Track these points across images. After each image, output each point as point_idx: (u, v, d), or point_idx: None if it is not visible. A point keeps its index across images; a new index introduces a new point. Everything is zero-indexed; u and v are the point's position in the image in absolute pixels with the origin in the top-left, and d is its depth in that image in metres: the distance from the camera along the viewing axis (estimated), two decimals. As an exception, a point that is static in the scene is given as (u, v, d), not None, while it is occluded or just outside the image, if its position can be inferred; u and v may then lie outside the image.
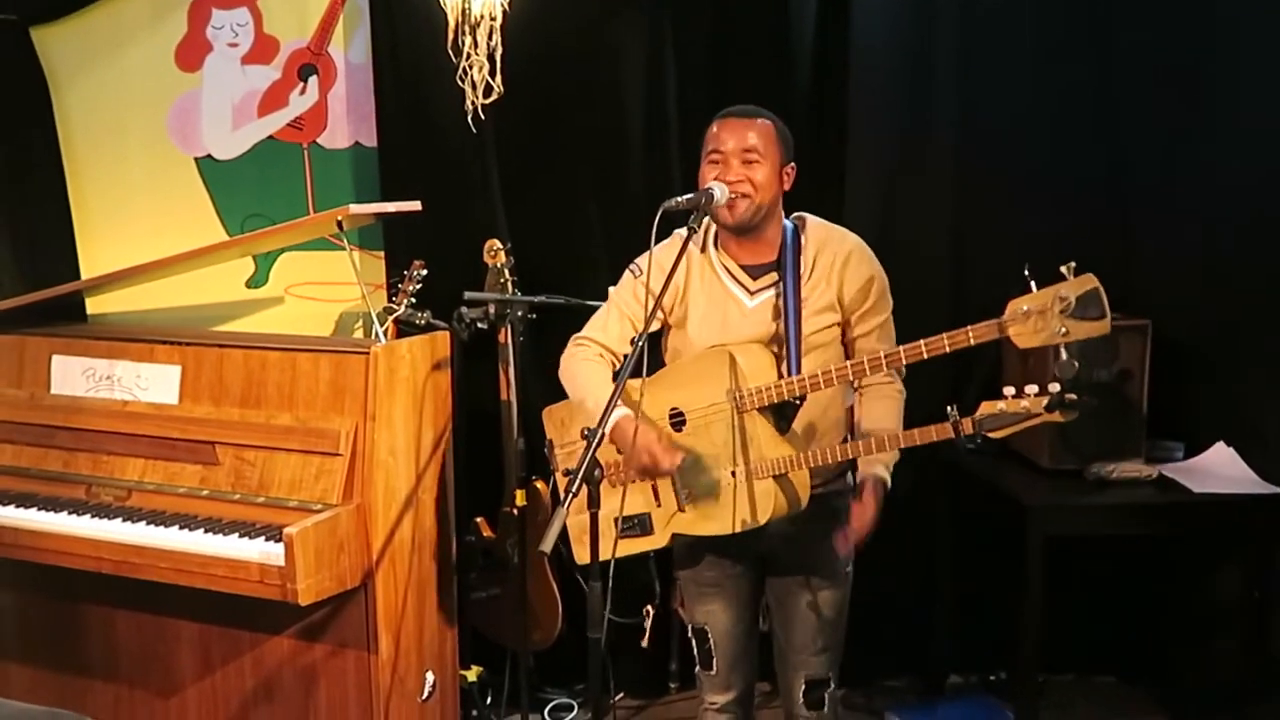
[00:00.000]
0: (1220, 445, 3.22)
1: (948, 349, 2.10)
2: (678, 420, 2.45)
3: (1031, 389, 2.06)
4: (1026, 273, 2.00)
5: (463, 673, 3.24)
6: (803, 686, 2.57)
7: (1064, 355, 1.98)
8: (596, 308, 3.20)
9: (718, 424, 2.38)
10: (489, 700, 3.47)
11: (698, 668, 2.66)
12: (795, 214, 2.54)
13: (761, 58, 3.56)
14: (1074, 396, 2.01)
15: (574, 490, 2.07)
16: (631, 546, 2.53)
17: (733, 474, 2.36)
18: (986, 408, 2.09)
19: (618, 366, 2.57)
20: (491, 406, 3.37)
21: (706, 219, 2.46)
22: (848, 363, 2.28)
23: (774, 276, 2.45)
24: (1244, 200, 3.21)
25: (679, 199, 2.34)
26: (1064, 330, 1.96)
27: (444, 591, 3.04)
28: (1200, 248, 3.38)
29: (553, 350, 3.59)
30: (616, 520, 2.49)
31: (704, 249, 2.51)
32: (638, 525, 2.52)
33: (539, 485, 3.38)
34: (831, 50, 3.54)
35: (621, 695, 3.75)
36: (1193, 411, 3.37)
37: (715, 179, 2.38)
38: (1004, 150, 3.61)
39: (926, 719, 3.57)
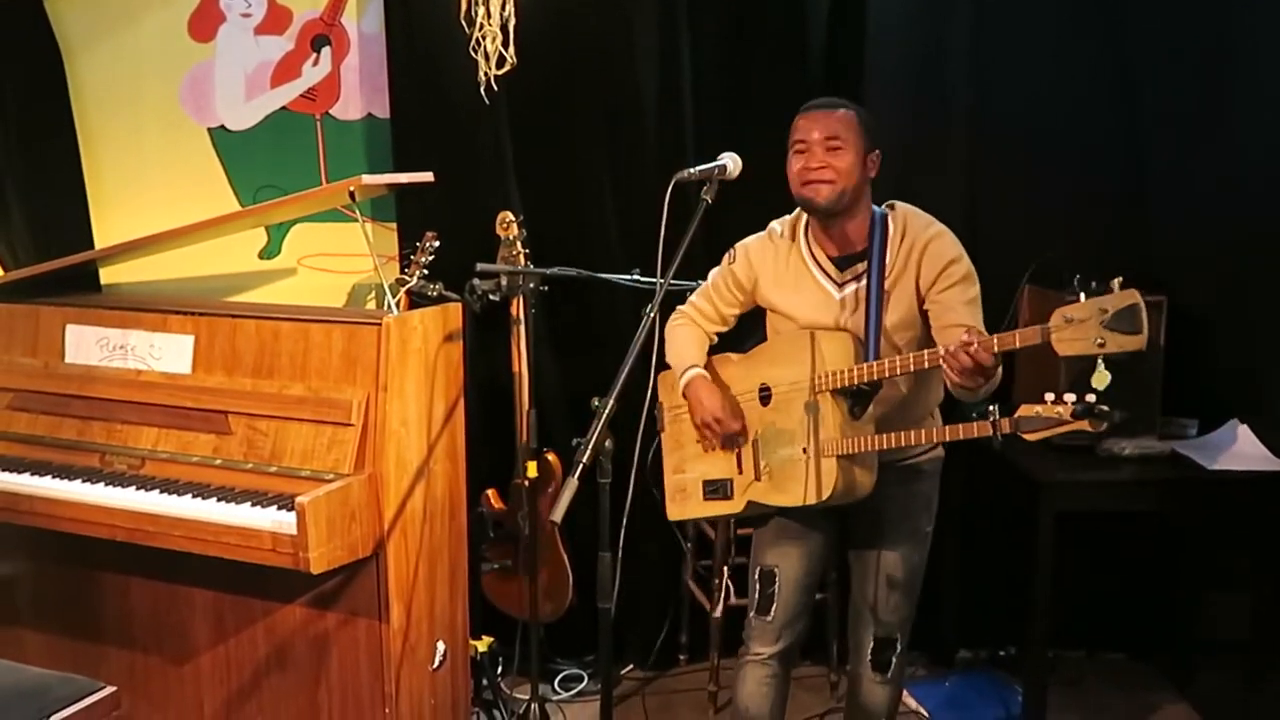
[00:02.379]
0: (1234, 422, 3.20)
1: (996, 349, 2.13)
2: (765, 394, 2.54)
3: (1070, 397, 2.10)
4: (1076, 283, 2.04)
5: (473, 643, 3.26)
6: (871, 644, 2.62)
7: (1100, 366, 2.01)
8: (608, 280, 3.23)
9: (797, 402, 2.46)
10: (499, 670, 3.49)
11: (751, 613, 2.68)
12: (888, 201, 2.56)
13: (776, 29, 3.54)
14: (1105, 408, 2.06)
15: (585, 460, 2.08)
16: (712, 509, 2.68)
17: (804, 451, 2.43)
18: (1025, 410, 2.15)
19: (712, 339, 2.75)
20: (504, 378, 3.37)
21: (797, 210, 2.57)
22: (910, 354, 2.32)
23: (860, 268, 2.50)
24: (1262, 176, 3.19)
25: (691, 170, 2.35)
26: (1101, 341, 1.99)
27: (455, 562, 3.05)
28: (1217, 223, 3.35)
29: (565, 322, 3.62)
30: (705, 483, 2.65)
31: (794, 240, 2.59)
32: (720, 490, 2.63)
33: (550, 457, 3.39)
34: (846, 27, 3.52)
35: (631, 667, 3.77)
36: (1208, 388, 3.35)
37: (801, 168, 2.44)
38: (1019, 126, 3.59)
39: (935, 693, 3.58)
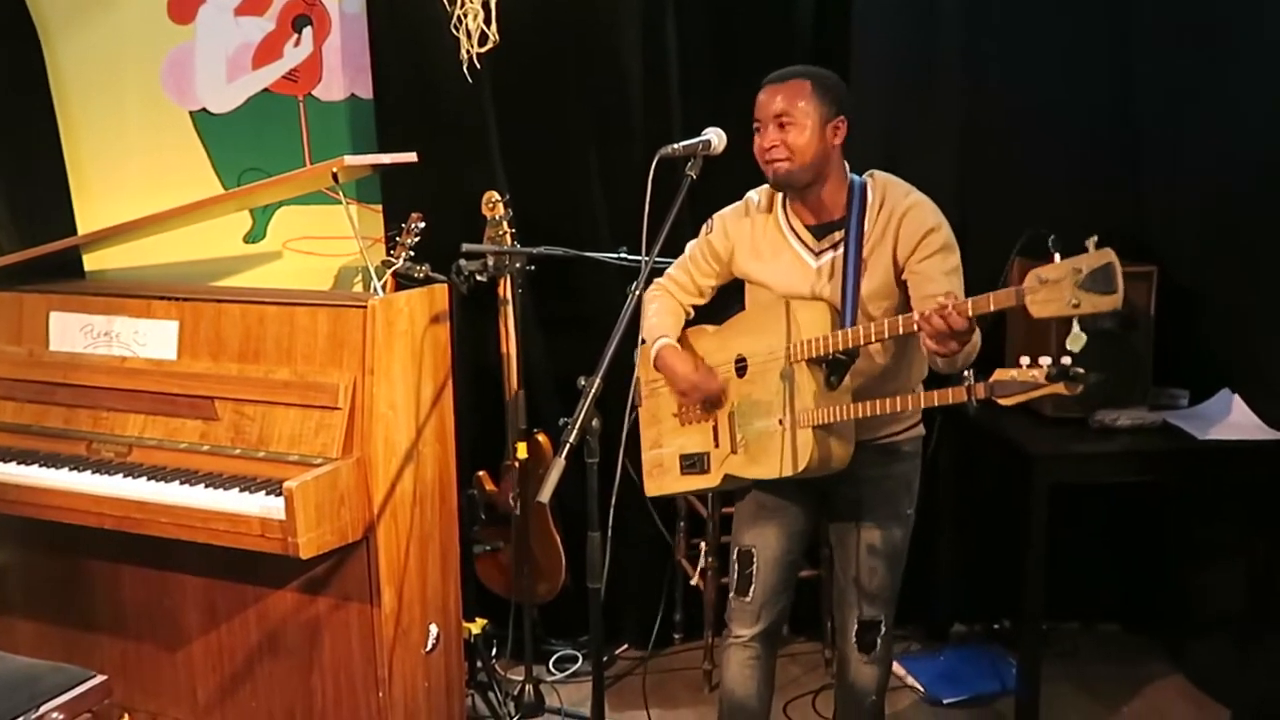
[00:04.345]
0: (1225, 392, 3.20)
1: (971, 312, 2.10)
2: (741, 366, 2.52)
3: (1045, 360, 2.06)
4: (1050, 244, 2.00)
5: (467, 625, 3.25)
6: (855, 627, 2.61)
7: (1075, 327, 1.97)
8: (594, 259, 3.21)
9: (772, 372, 2.43)
10: (494, 652, 3.48)
11: (731, 594, 2.66)
12: (869, 170, 2.54)
13: (762, 3, 3.51)
14: (1081, 370, 2.02)
15: (571, 440, 2.07)
16: (689, 483, 2.64)
17: (780, 422, 2.40)
18: (1000, 374, 2.11)
19: (688, 311, 2.73)
20: (492, 359, 3.36)
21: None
22: (885, 320, 2.28)
23: (837, 236, 2.47)
24: (1254, 145, 3.17)
25: (675, 146, 2.33)
26: (1075, 302, 1.95)
27: (446, 545, 3.04)
28: (1208, 194, 3.33)
29: (552, 302, 3.60)
30: (682, 457, 2.62)
31: (770, 209, 2.57)
32: (697, 464, 2.60)
33: (540, 438, 3.38)
34: (833, 3, 3.49)
35: (625, 646, 3.77)
36: (1198, 358, 3.35)
37: (757, 147, 2.43)
38: (1011, 96, 3.56)
39: (931, 667, 3.59)
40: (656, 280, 2.76)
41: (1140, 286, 3.21)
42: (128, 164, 3.52)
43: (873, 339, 2.30)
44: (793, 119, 2.39)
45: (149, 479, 2.78)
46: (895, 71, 3.52)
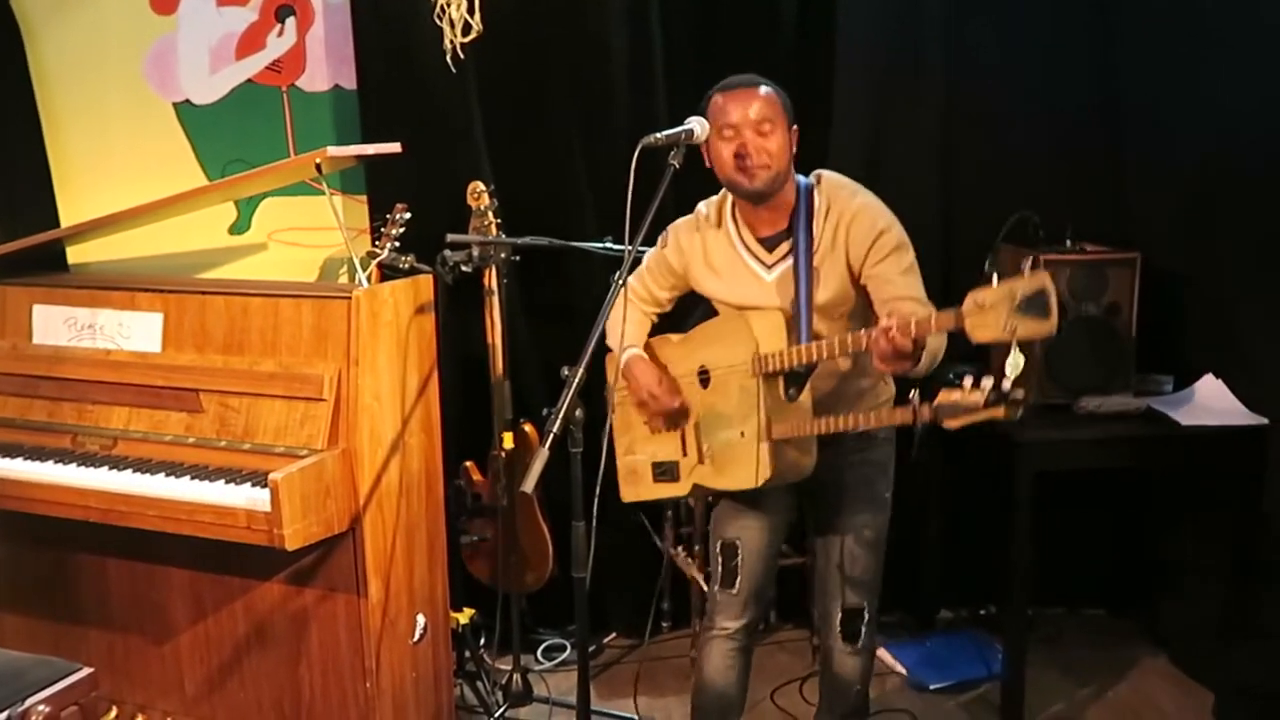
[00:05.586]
0: (1209, 377, 3.22)
1: (914, 333, 2.10)
2: (704, 377, 2.52)
3: (987, 382, 2.06)
4: (986, 268, 2.01)
5: (455, 615, 3.25)
6: (839, 615, 2.60)
7: (1014, 351, 1.98)
8: (580, 249, 3.21)
9: (734, 384, 2.44)
10: (482, 642, 3.49)
11: (715, 587, 2.63)
12: (815, 171, 2.53)
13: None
14: (1020, 395, 2.02)
15: (555, 430, 2.07)
16: (662, 490, 2.64)
17: (741, 434, 2.41)
18: (944, 397, 2.11)
19: (652, 319, 2.75)
20: (478, 350, 3.35)
21: (723, 191, 2.54)
22: (836, 338, 2.29)
23: (786, 248, 2.46)
24: (1236, 132, 3.17)
25: (658, 135, 2.31)
26: (1012, 326, 1.95)
27: (433, 535, 3.04)
28: (1191, 181, 3.34)
29: (538, 292, 3.60)
30: (654, 465, 2.62)
31: (720, 223, 2.55)
32: (668, 472, 2.60)
33: (527, 428, 3.38)
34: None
35: (613, 635, 3.78)
36: (1182, 344, 3.36)
37: (734, 154, 2.39)
38: (994, 82, 3.57)
39: (917, 653, 3.60)
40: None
41: (1123, 273, 3.22)
42: (111, 156, 3.51)
43: (825, 356, 2.31)
44: (773, 125, 2.40)
45: (134, 471, 2.78)
46: (880, 58, 3.52)
